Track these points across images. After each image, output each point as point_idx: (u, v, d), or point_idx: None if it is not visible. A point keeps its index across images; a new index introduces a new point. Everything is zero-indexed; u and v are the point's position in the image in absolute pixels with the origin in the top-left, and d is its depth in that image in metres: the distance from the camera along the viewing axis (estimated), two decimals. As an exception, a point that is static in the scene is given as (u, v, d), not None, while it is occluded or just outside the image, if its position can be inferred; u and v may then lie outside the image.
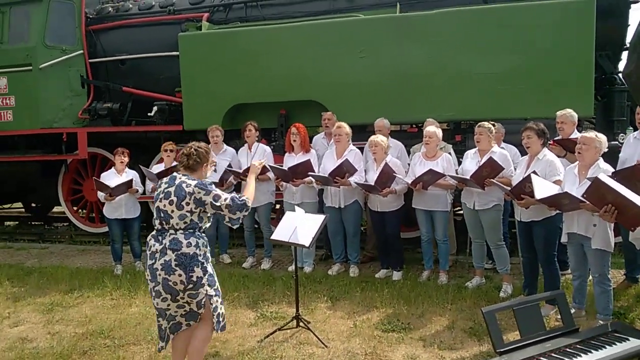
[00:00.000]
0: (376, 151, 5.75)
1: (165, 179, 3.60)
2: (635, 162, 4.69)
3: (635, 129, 5.18)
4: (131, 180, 6.35)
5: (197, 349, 3.55)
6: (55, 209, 10.43)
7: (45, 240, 8.94)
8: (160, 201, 3.48)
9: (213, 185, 3.55)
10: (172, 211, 3.42)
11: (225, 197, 3.49)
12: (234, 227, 3.70)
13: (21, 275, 6.57)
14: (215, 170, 6.21)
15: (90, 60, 8.52)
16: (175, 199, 3.42)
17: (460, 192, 5.62)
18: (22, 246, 8.44)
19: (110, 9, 8.84)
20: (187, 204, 3.42)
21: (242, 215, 3.56)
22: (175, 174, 3.58)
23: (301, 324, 4.59)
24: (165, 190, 3.48)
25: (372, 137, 5.83)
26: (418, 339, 4.38)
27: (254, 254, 6.83)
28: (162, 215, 3.46)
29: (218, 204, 3.45)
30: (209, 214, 3.55)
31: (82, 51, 8.46)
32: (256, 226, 7.00)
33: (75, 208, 8.88)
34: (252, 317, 4.97)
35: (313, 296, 5.42)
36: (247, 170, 6.16)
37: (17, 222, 10.74)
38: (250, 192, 3.74)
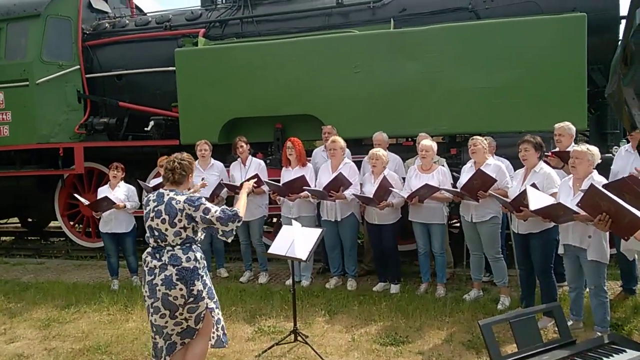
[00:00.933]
0: (376, 164, 5.79)
1: (152, 197, 3.56)
2: (627, 174, 4.76)
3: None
4: (107, 197, 6.27)
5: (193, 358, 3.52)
6: (52, 223, 10.39)
7: (42, 255, 8.90)
8: (152, 220, 3.46)
9: (202, 199, 3.51)
10: (166, 229, 3.42)
11: (215, 209, 3.46)
12: (228, 239, 3.66)
13: (17, 291, 6.54)
14: (205, 186, 6.24)
15: (87, 76, 8.56)
16: (167, 217, 3.41)
17: (457, 205, 5.66)
18: (18, 261, 8.41)
19: (106, 24, 8.90)
20: (180, 220, 3.41)
21: (234, 226, 3.52)
22: (162, 190, 3.56)
23: (299, 338, 4.58)
24: (156, 209, 3.46)
25: (373, 150, 5.87)
26: (416, 353, 4.38)
27: (251, 268, 6.83)
28: (156, 234, 3.46)
29: (208, 217, 3.42)
30: (202, 227, 3.54)
31: (78, 66, 8.51)
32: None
33: (71, 223, 8.85)
34: (250, 332, 4.97)
35: (311, 310, 5.42)
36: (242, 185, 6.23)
37: (13, 237, 10.69)
38: (241, 205, 3.70)
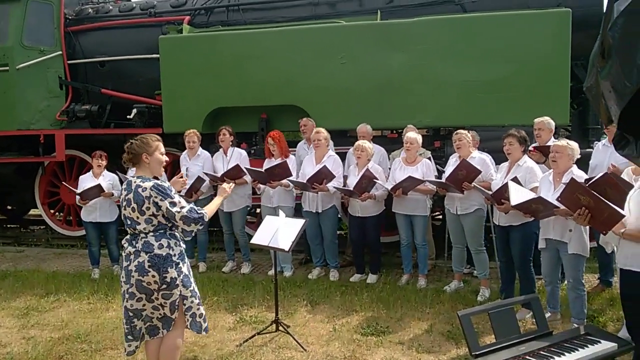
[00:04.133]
0: (361, 156, 5.80)
1: (125, 185, 3.52)
2: (605, 168, 4.83)
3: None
4: (99, 185, 6.28)
5: (169, 356, 3.50)
6: (32, 211, 10.26)
7: (21, 243, 8.78)
8: (125, 209, 3.43)
9: (172, 189, 3.43)
10: (137, 217, 3.37)
11: (183, 206, 3.36)
12: (186, 238, 3.55)
13: (-5, 279, 6.46)
14: (187, 176, 6.18)
15: (69, 62, 8.43)
16: (135, 205, 3.35)
17: (440, 197, 5.70)
18: (-4, 249, 8.30)
19: (90, 10, 8.76)
20: (148, 208, 3.34)
21: (196, 228, 3.42)
22: (130, 178, 3.51)
23: (280, 327, 4.59)
24: (127, 198, 3.41)
25: (359, 142, 5.88)
26: (397, 343, 4.42)
27: (234, 258, 6.81)
28: (129, 222, 3.42)
29: (173, 211, 3.32)
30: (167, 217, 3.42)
31: (60, 52, 8.37)
32: (235, 230, 6.98)
33: (52, 211, 8.75)
34: (232, 322, 4.96)
35: (293, 300, 5.43)
36: (225, 174, 6.20)
37: (-8, 225, 10.53)
38: (211, 210, 3.61)
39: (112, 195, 6.37)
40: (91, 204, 6.39)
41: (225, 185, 4.00)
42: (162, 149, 3.57)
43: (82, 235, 7.72)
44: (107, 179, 6.45)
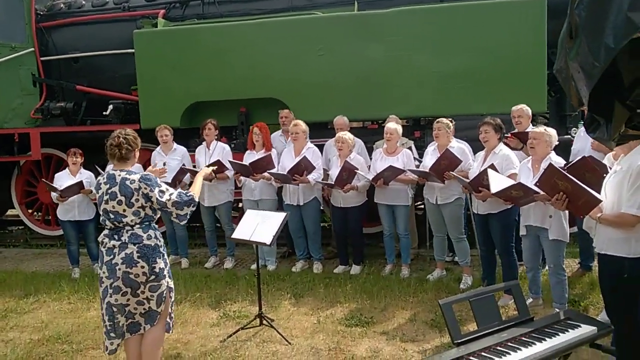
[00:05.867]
0: (342, 147, 5.78)
1: (102, 179, 3.45)
2: (587, 153, 4.88)
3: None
4: (81, 182, 6.20)
5: (151, 351, 3.46)
6: (9, 212, 10.06)
7: (-1, 244, 8.62)
8: (107, 203, 3.36)
9: (157, 179, 3.45)
10: (124, 210, 3.33)
11: (171, 192, 3.40)
12: (182, 223, 3.60)
13: (-28, 282, 6.32)
14: (166, 171, 6.15)
15: (42, 58, 8.23)
16: (123, 198, 3.32)
17: (421, 187, 5.71)
18: (-27, 252, 8.12)
19: (62, 5, 8.55)
20: (137, 200, 3.33)
21: (189, 210, 3.46)
22: (111, 171, 3.46)
23: (264, 322, 4.57)
24: (110, 191, 3.36)
25: (340, 134, 5.87)
26: (381, 333, 4.43)
27: (217, 254, 6.77)
28: (112, 216, 3.36)
29: (163, 199, 3.35)
30: (157, 208, 3.44)
31: (32, 49, 8.18)
32: (218, 225, 6.93)
33: (30, 211, 8.59)
34: (215, 317, 4.93)
35: (277, 294, 5.42)
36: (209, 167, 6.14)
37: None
38: (197, 191, 3.62)
39: (91, 192, 6.28)
40: (69, 202, 6.29)
41: (205, 167, 4.01)
42: None
43: (61, 235, 7.59)
44: (84, 177, 6.35)
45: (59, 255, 7.55)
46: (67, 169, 6.53)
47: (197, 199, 3.51)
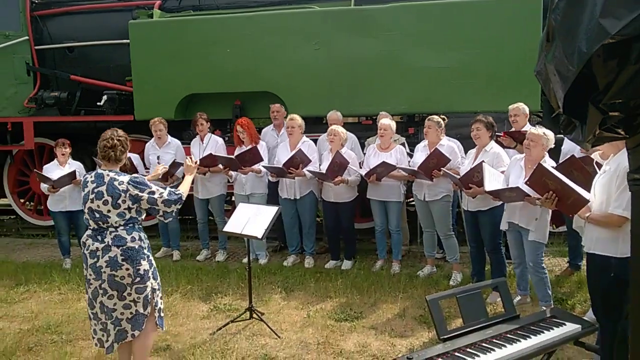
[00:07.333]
0: (334, 140, 5.79)
1: (89, 177, 3.44)
2: (576, 154, 4.89)
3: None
4: (74, 172, 6.18)
5: (141, 357, 3.49)
6: (1, 201, 10.02)
7: (-10, 234, 8.60)
8: (92, 202, 3.35)
9: (145, 179, 3.46)
10: (109, 211, 3.32)
11: (161, 192, 3.43)
12: (166, 220, 3.65)
13: (-37, 271, 6.31)
14: (159, 164, 6.15)
15: (37, 47, 8.16)
16: (109, 198, 3.31)
17: (412, 183, 5.73)
18: (-36, 240, 8.10)
19: (57, -7, 8.51)
20: (124, 201, 3.33)
21: (176, 208, 3.50)
22: (100, 170, 3.44)
23: (254, 315, 4.59)
24: (96, 190, 3.34)
25: (333, 127, 5.88)
26: (370, 328, 4.46)
27: (209, 247, 6.77)
28: (96, 215, 3.34)
29: (154, 197, 3.39)
30: (145, 208, 3.46)
31: (27, 37, 8.11)
32: (210, 218, 6.93)
33: (22, 200, 8.56)
34: (205, 310, 4.95)
35: (267, 287, 5.44)
36: (202, 160, 6.15)
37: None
38: (185, 189, 3.66)
39: None
40: (60, 192, 6.26)
41: (188, 161, 4.01)
42: None
43: (52, 225, 7.58)
44: (72, 167, 6.32)
45: (50, 245, 7.54)
46: (55, 159, 6.49)
47: (184, 198, 3.55)
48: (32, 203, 8.63)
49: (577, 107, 1.45)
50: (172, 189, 3.52)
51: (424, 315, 4.59)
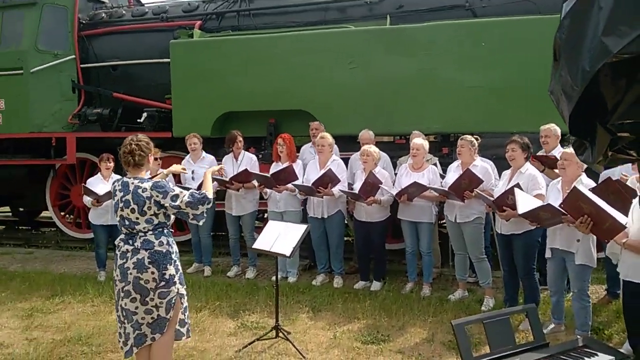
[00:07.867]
0: (367, 160, 5.76)
1: (117, 186, 3.50)
2: (616, 176, 4.73)
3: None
4: None
5: (162, 352, 3.46)
6: (43, 213, 10.37)
7: (31, 245, 8.87)
8: (122, 210, 3.42)
9: (169, 184, 3.49)
10: (137, 218, 3.39)
11: (184, 194, 3.42)
12: (199, 222, 3.60)
13: (3, 280, 6.52)
14: (193, 179, 6.28)
15: (82, 66, 8.52)
16: (135, 206, 3.37)
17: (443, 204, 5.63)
18: (6, 250, 8.40)
19: (103, 14, 8.85)
20: (149, 208, 3.38)
21: (204, 209, 3.47)
22: (125, 179, 3.50)
23: (280, 334, 4.55)
24: (124, 199, 3.41)
25: (365, 147, 5.86)
26: (397, 351, 4.36)
27: (239, 263, 6.81)
28: (127, 223, 3.42)
29: (177, 203, 3.38)
30: (171, 213, 3.47)
31: (74, 56, 8.47)
32: (242, 234, 6.98)
33: (62, 213, 8.83)
34: (232, 327, 4.95)
35: (295, 306, 5.41)
36: (233, 178, 6.22)
37: (3, 227, 10.66)
38: (207, 188, 3.63)
39: None
40: (102, 207, 6.41)
41: (214, 167, 4.05)
42: None
43: (90, 238, 7.78)
44: (116, 182, 6.48)
45: (87, 257, 7.72)
46: (99, 173, 6.68)
47: (210, 196, 3.52)
48: (71, 216, 8.89)
49: (585, 127, 1.40)
50: (194, 190, 3.53)
51: (453, 341, 4.44)
